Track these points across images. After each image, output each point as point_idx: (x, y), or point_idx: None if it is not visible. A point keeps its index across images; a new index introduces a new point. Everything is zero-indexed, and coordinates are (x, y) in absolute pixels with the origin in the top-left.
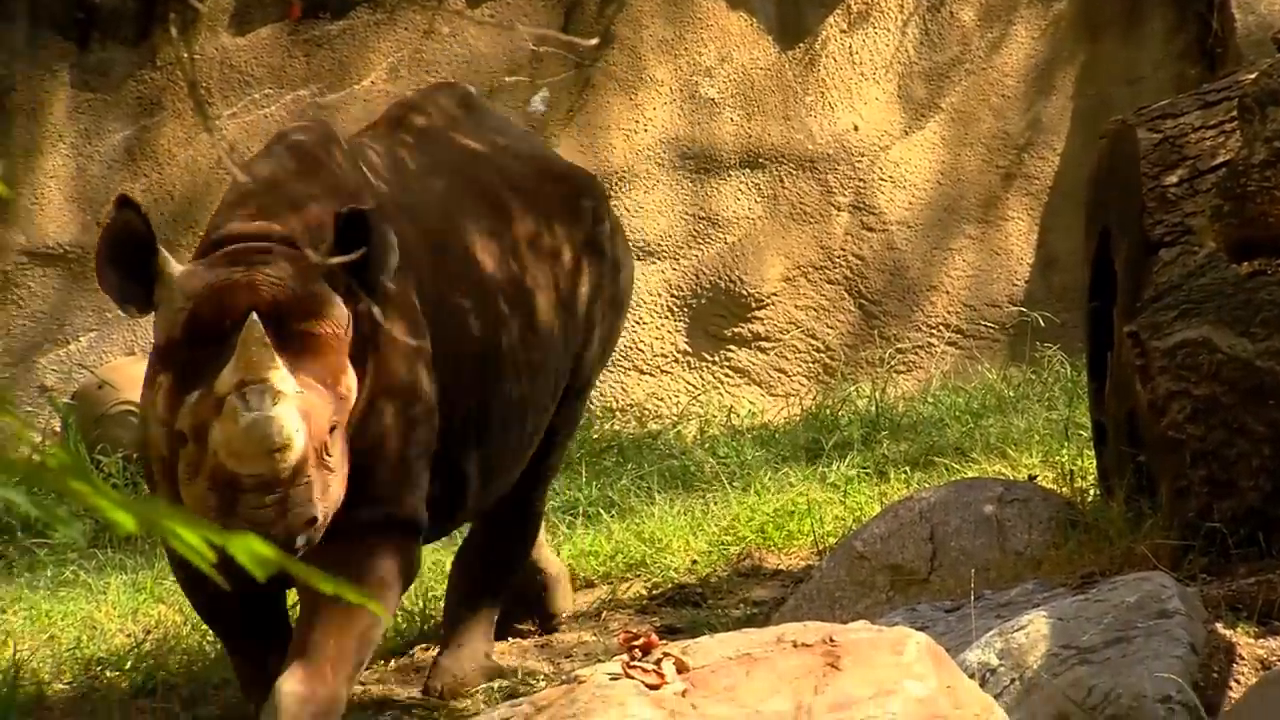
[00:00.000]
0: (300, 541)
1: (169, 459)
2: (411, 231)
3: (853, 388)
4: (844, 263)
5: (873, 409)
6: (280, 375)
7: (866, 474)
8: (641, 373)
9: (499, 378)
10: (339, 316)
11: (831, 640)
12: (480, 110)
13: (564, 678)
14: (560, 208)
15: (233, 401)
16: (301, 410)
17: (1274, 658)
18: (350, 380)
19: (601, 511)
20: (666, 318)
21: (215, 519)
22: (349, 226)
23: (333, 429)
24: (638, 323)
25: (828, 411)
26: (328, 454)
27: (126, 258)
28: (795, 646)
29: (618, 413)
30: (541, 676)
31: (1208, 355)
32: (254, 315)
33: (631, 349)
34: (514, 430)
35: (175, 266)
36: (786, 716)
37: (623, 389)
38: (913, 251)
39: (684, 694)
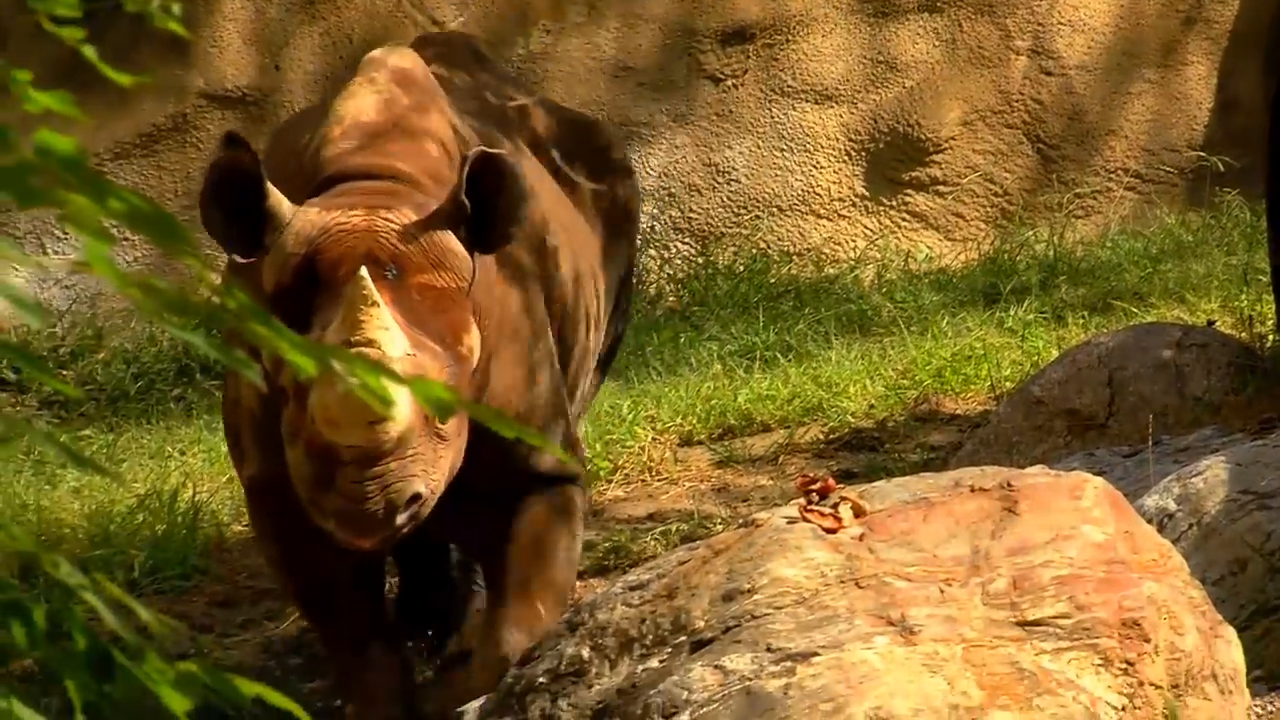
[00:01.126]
0: (402, 519)
1: (262, 417)
2: None
3: (1030, 232)
4: (1022, 107)
5: (1050, 254)
6: (389, 337)
7: (1044, 319)
8: (819, 217)
9: (575, 330)
10: (463, 268)
11: (1009, 485)
12: (490, 61)
13: (741, 521)
14: (593, 161)
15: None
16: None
17: None
18: (473, 338)
19: (779, 356)
20: (844, 162)
21: (310, 491)
22: (480, 170)
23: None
24: (815, 167)
25: (1005, 256)
26: (440, 422)
27: (234, 198)
28: (972, 491)
29: (795, 257)
30: (718, 520)
31: None
32: (363, 271)
33: (809, 194)
34: (586, 385)
35: (288, 207)
36: (964, 561)
37: (800, 233)
38: (1091, 95)
39: (861, 538)
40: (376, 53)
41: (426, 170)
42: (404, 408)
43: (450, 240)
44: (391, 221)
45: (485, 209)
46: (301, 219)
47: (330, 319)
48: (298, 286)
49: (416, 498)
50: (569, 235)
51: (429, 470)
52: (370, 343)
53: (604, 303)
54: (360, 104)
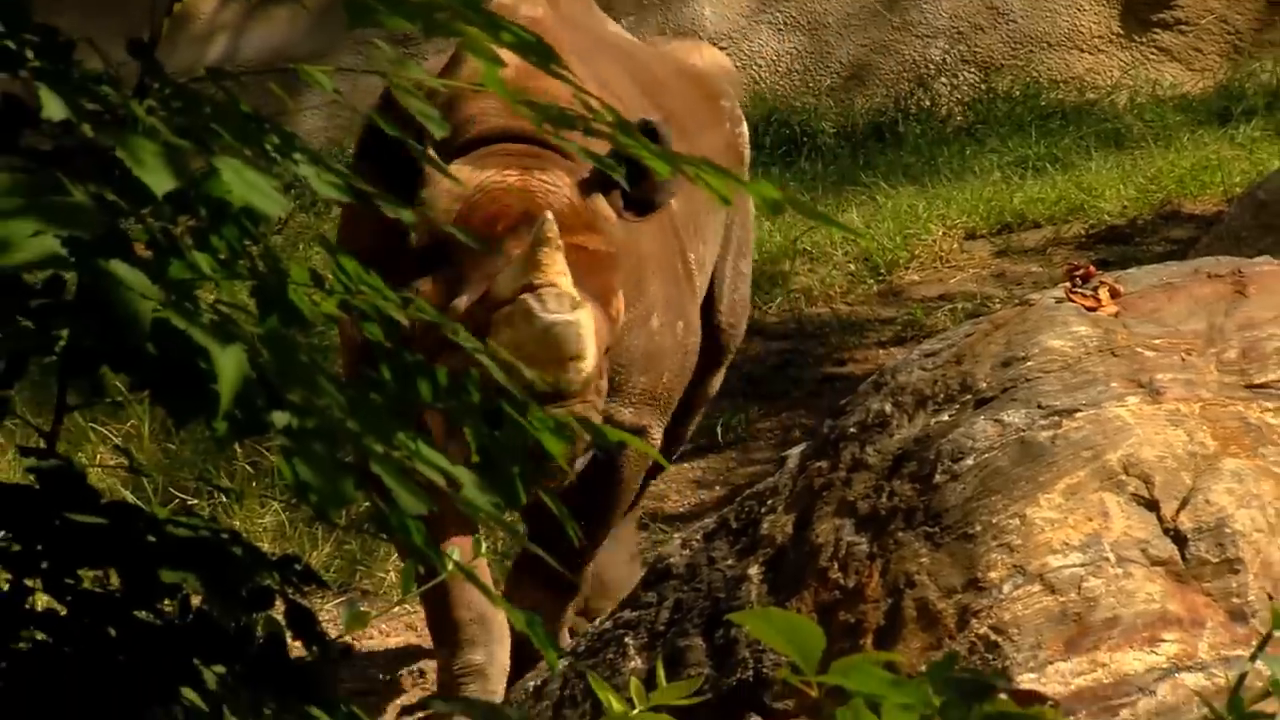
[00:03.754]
0: (580, 463)
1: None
2: None
3: (1257, 64)
4: None
5: (1275, 82)
6: (569, 282)
7: (1269, 135)
8: (1082, 51)
9: (695, 295)
10: (613, 233)
11: (1240, 272)
12: (593, 6)
13: (1017, 301)
14: (705, 109)
15: (528, 302)
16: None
17: None
18: (620, 303)
19: (1047, 165)
20: (1103, 5)
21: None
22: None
23: (606, 350)
24: (1079, 9)
25: (1237, 84)
26: (600, 377)
27: (387, 154)
28: (1209, 277)
29: (1061, 84)
30: (997, 300)
31: None
32: (549, 215)
33: (1074, 31)
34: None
35: (441, 165)
36: (1201, 334)
37: (1065, 65)
38: None
39: (1116, 315)
40: (506, 0)
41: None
42: (592, 349)
43: (602, 204)
44: (547, 183)
45: (636, 175)
46: (462, 173)
47: (489, 274)
48: (453, 242)
49: (587, 447)
50: (686, 199)
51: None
52: (554, 284)
53: (709, 260)
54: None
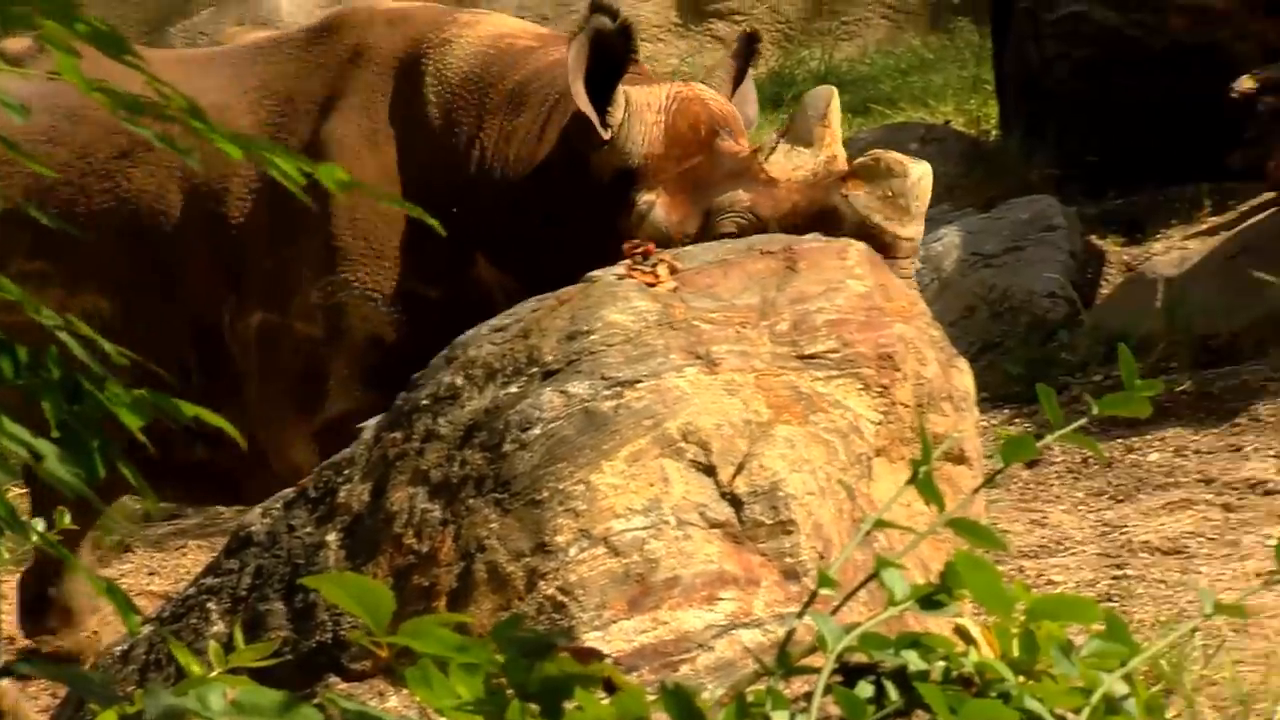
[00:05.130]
0: None
1: (396, 340)
2: None
3: (806, 51)
4: None
5: (822, 68)
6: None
7: None
8: (642, 40)
9: None
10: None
11: (791, 249)
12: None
13: (582, 280)
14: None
15: (889, 157)
16: None
17: (1136, 262)
18: None
19: None
20: None
21: None
22: (746, 47)
23: None
24: (638, 0)
25: (788, 71)
26: None
27: (597, 71)
28: (762, 253)
29: None
30: None
31: (1087, 24)
32: (833, 90)
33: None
34: None
35: (630, 86)
36: (755, 308)
37: None
38: None
39: (675, 290)
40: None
41: None
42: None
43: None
44: (705, 93)
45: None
46: (641, 95)
47: (723, 173)
48: (673, 149)
49: None
50: None
51: None
52: (836, 155)
53: None
54: (514, 21)
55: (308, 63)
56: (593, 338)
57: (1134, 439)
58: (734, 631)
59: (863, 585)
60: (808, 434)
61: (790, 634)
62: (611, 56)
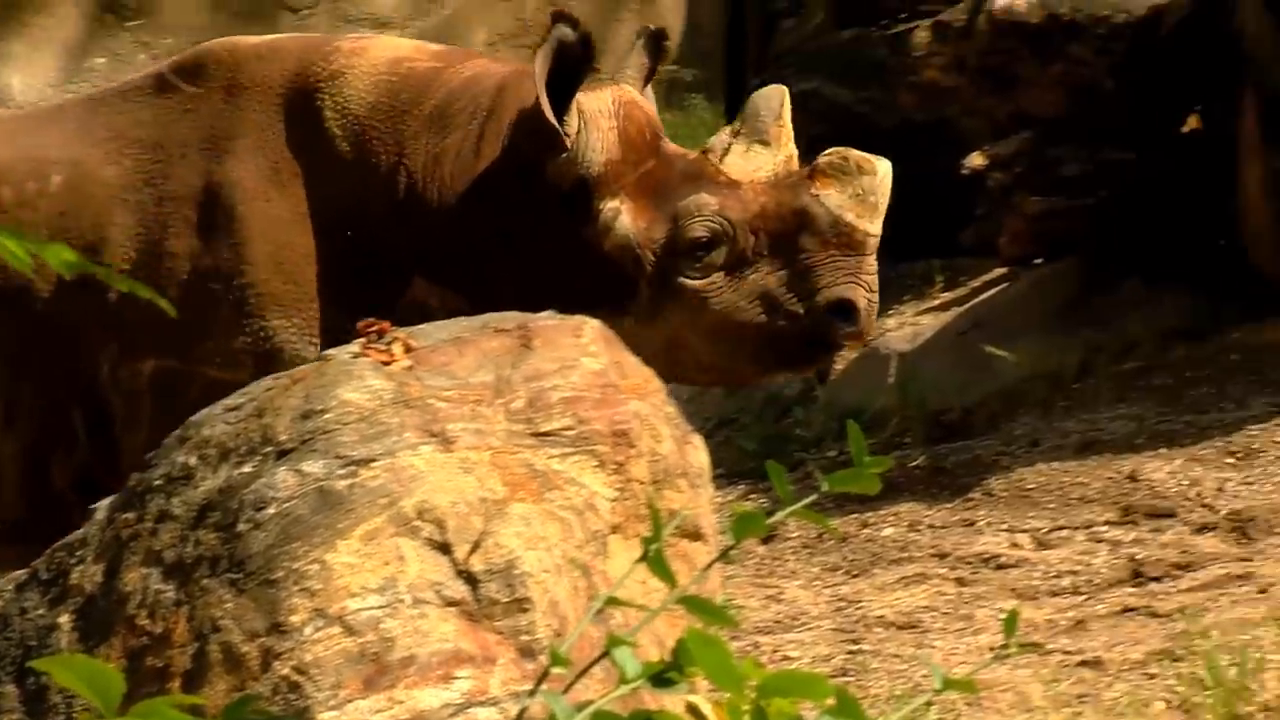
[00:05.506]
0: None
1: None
2: None
3: None
4: (535, 31)
5: None
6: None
7: None
8: None
9: None
10: None
11: (525, 326)
12: None
13: (316, 358)
14: None
15: (854, 155)
16: None
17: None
18: None
19: None
20: None
21: (822, 300)
22: (655, 45)
23: None
24: None
25: None
26: None
27: (558, 79)
28: (496, 331)
29: None
30: None
31: (817, 101)
32: (785, 90)
33: None
34: None
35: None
36: (490, 385)
37: None
38: (589, 20)
39: (410, 368)
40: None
41: None
42: None
43: None
44: (637, 95)
45: None
46: (592, 101)
47: (682, 175)
48: (629, 155)
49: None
50: None
51: None
52: (793, 154)
53: None
54: (402, 43)
55: (170, 107)
56: (327, 416)
57: (868, 514)
58: (470, 710)
59: (595, 663)
60: (543, 511)
61: (523, 712)
62: (570, 66)
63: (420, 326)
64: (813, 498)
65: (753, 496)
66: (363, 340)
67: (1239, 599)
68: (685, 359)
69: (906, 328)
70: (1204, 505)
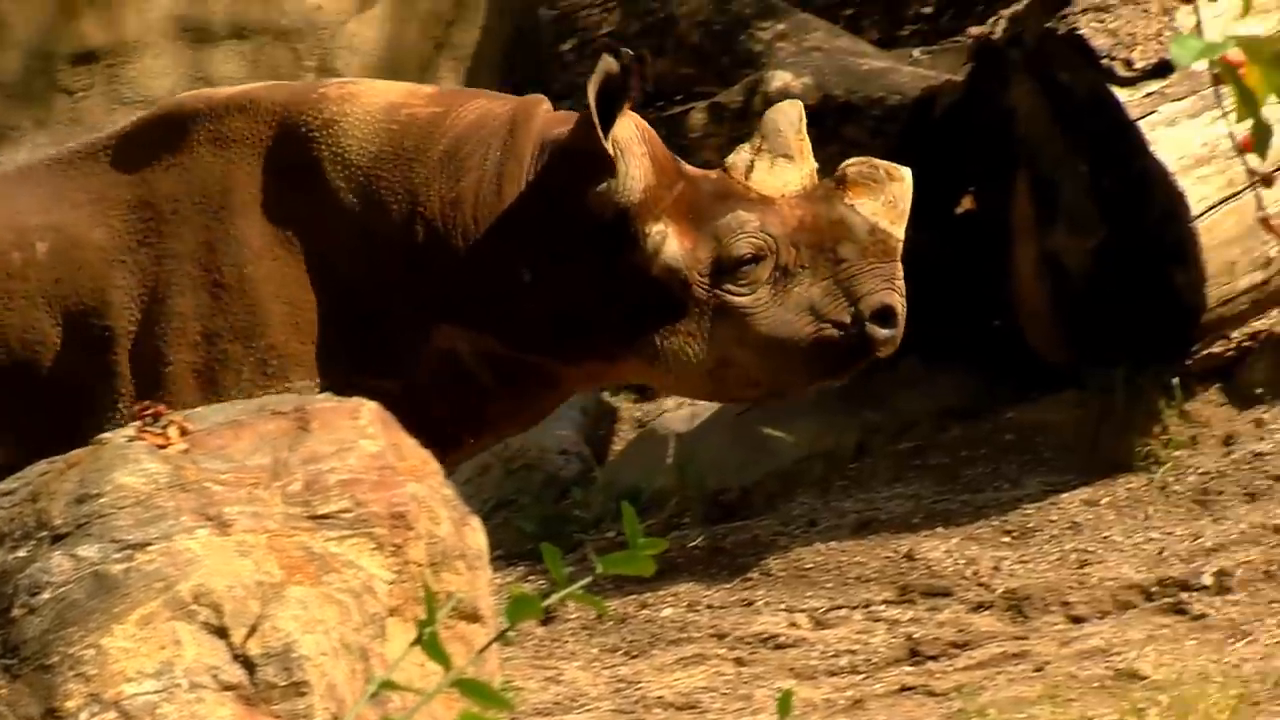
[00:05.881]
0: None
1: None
2: None
3: None
4: None
5: None
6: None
7: None
8: None
9: None
10: None
11: (302, 409)
12: None
13: (92, 442)
14: None
15: (873, 165)
16: None
17: (647, 418)
18: None
19: None
20: None
21: (868, 306)
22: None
23: None
24: None
25: None
26: None
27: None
28: (274, 414)
29: None
30: None
31: None
32: (800, 104)
33: None
34: None
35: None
36: (267, 468)
37: None
38: None
39: (186, 451)
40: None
41: None
42: None
43: None
44: (642, 120)
45: None
46: (622, 129)
47: (713, 193)
48: (662, 179)
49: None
50: None
51: None
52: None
53: None
54: (391, 86)
55: (152, 164)
56: (102, 500)
57: (647, 594)
58: None
59: None
60: (321, 594)
61: None
62: (614, 96)
63: (197, 410)
64: (588, 580)
65: (532, 578)
66: (138, 424)
67: (1015, 677)
68: (732, 376)
69: (685, 408)
70: (980, 584)
